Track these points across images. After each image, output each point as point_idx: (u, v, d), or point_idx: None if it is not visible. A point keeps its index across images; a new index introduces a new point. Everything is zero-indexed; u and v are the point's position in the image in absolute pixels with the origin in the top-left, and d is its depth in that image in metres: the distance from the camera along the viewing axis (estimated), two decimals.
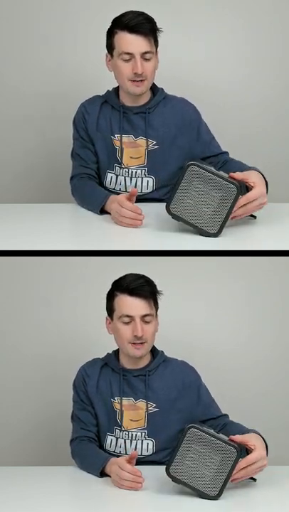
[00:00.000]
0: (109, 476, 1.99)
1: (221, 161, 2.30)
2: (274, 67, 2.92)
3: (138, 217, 2.06)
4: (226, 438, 1.87)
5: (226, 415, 2.16)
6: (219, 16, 2.87)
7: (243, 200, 2.00)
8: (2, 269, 2.74)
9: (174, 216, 1.99)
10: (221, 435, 1.87)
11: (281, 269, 2.75)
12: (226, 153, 2.34)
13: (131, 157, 2.27)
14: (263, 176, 2.11)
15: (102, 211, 2.18)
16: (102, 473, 2.01)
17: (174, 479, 1.86)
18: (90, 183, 2.29)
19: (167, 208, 1.99)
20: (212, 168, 1.97)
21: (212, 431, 1.86)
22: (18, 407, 2.79)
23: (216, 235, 1.98)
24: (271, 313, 2.79)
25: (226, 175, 1.98)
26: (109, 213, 2.16)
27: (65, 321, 2.78)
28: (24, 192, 2.99)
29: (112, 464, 1.97)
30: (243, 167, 2.19)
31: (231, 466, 1.83)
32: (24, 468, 2.21)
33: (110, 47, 2.20)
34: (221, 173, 1.98)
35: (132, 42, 2.14)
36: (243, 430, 2.02)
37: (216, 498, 1.84)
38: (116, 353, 2.16)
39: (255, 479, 1.96)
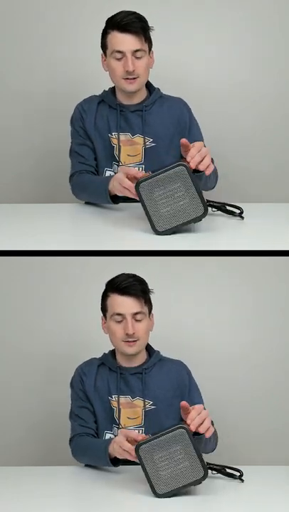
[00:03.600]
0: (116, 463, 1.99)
1: None
2: (275, 67, 2.92)
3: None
4: (168, 425, 1.86)
5: None
6: (219, 15, 2.88)
7: (193, 151, 1.95)
8: (1, 269, 2.74)
9: (166, 232, 1.98)
10: (164, 428, 1.85)
11: (280, 269, 2.75)
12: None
13: (128, 155, 2.28)
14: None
15: (112, 200, 2.16)
16: (113, 461, 1.99)
17: (166, 495, 1.85)
18: (89, 176, 2.30)
19: (155, 231, 1.98)
20: (156, 171, 1.96)
21: (155, 433, 1.85)
22: (17, 407, 2.79)
23: (205, 213, 1.96)
24: (270, 313, 2.79)
25: (168, 163, 1.97)
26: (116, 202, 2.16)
27: (64, 321, 2.78)
28: (24, 192, 2.99)
29: (115, 440, 1.96)
30: None
31: (191, 441, 1.83)
32: (24, 468, 2.21)
33: (104, 46, 2.24)
34: (164, 166, 1.97)
35: (122, 40, 2.18)
36: None
37: (205, 476, 1.84)
38: (112, 352, 2.18)
39: (242, 480, 1.96)
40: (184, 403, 1.88)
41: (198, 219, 1.98)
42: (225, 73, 2.92)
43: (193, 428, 1.83)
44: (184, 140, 1.98)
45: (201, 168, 1.95)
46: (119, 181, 2.03)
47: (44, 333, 2.77)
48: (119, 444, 1.91)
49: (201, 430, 1.84)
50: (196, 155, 1.94)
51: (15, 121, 2.95)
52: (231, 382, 2.76)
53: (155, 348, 2.20)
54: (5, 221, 2.18)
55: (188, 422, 1.84)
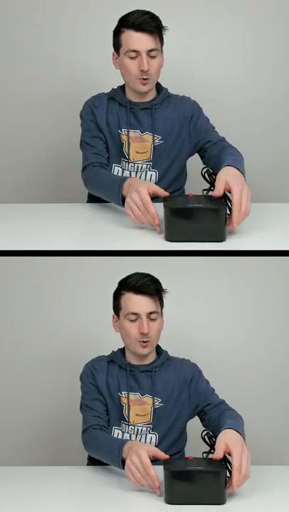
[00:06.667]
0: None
1: (219, 151, 2.28)
2: (276, 66, 2.93)
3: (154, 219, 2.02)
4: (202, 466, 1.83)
5: (223, 402, 2.16)
6: (220, 13, 2.89)
7: (235, 211, 1.97)
8: (4, 269, 2.74)
9: (177, 239, 1.97)
10: (204, 460, 1.84)
11: (281, 269, 2.76)
12: (223, 139, 2.35)
13: (137, 152, 2.30)
14: (237, 165, 2.09)
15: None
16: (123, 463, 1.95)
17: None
18: (104, 171, 2.28)
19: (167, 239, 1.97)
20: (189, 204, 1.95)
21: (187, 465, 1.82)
22: (23, 409, 2.79)
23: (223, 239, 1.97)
24: (271, 313, 2.79)
25: (203, 201, 1.96)
26: None
27: (68, 322, 2.78)
28: (26, 193, 2.99)
29: (130, 446, 1.92)
30: (224, 158, 2.16)
31: (222, 486, 1.82)
32: (24, 468, 2.21)
33: (117, 45, 2.25)
34: (199, 202, 1.96)
35: (138, 40, 2.20)
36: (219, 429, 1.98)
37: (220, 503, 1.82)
38: (122, 350, 2.19)
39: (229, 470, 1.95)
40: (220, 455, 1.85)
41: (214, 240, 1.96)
42: (225, 73, 2.92)
43: (235, 487, 1.82)
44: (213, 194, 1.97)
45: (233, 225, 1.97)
46: (140, 196, 1.99)
47: (48, 334, 2.77)
48: (140, 457, 1.86)
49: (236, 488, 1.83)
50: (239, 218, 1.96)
51: (19, 124, 2.95)
52: (231, 380, 2.76)
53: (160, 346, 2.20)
54: (7, 221, 2.19)
55: (233, 482, 1.81)
